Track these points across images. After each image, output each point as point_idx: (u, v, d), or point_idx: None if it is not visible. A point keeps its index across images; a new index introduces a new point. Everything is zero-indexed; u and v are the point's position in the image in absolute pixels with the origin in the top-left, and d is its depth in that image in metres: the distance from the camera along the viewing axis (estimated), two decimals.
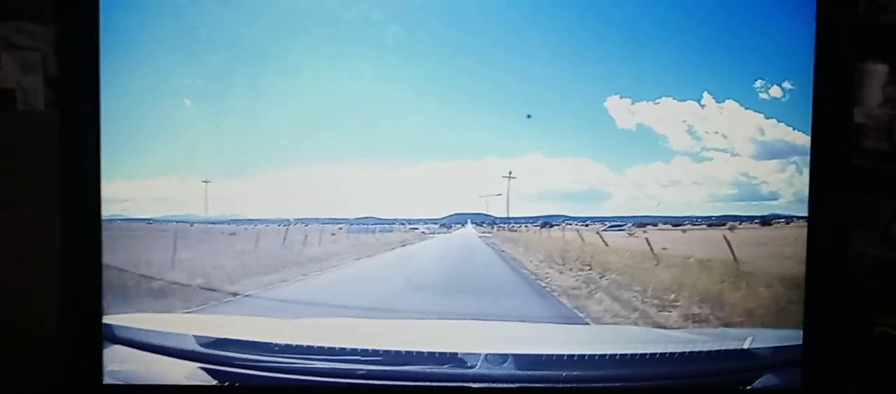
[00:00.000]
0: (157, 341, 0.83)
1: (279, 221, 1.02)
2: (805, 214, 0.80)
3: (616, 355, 0.81)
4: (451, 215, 1.02)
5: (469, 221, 1.12)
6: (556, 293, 1.04)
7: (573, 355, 0.80)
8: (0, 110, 1.04)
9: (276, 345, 0.81)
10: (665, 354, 0.81)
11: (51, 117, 1.07)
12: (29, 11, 1.05)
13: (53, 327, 0.78)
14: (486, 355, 0.80)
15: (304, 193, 0.94)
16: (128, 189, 0.85)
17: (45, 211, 0.86)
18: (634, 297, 0.95)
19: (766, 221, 0.93)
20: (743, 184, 0.91)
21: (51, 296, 0.78)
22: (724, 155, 0.90)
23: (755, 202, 0.91)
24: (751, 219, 0.95)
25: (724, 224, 0.97)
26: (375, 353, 0.80)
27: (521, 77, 0.89)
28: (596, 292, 1.00)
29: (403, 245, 1.10)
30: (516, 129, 0.91)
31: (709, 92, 0.85)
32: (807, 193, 0.79)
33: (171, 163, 0.89)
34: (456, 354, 0.80)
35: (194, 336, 0.83)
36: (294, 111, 0.90)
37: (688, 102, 0.87)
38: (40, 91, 1.07)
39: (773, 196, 0.90)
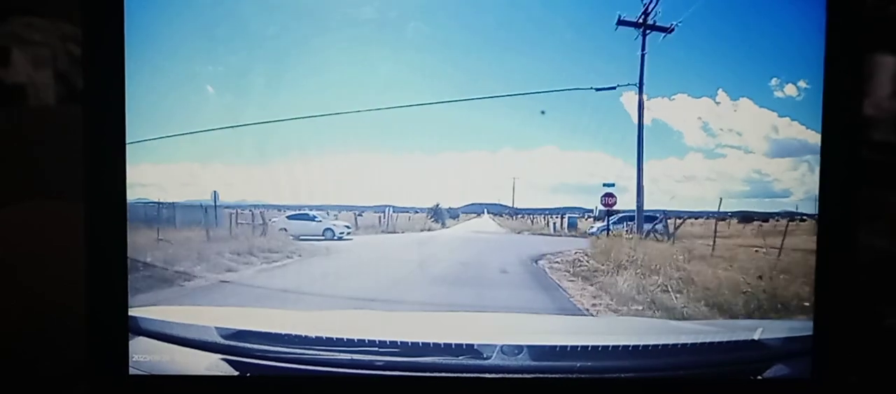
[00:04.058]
0: (180, 332, 0.84)
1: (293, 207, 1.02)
2: (815, 211, 0.80)
3: (628, 345, 0.81)
4: (467, 205, 1.00)
5: (486, 211, 1.09)
6: None
7: (586, 347, 0.81)
8: (12, 106, 1.05)
9: (296, 337, 0.82)
10: (677, 344, 0.83)
11: (62, 112, 1.08)
12: (38, 6, 1.05)
13: (80, 319, 0.79)
14: (502, 346, 0.81)
15: (315, 182, 0.95)
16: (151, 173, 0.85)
17: (62, 205, 0.87)
18: None
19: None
20: (755, 181, 0.91)
21: (73, 289, 0.79)
22: (737, 152, 0.90)
23: (767, 199, 0.91)
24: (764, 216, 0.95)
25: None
26: (393, 344, 0.81)
27: (539, 71, 0.89)
28: None
29: None
30: (532, 121, 0.91)
31: (724, 89, 0.86)
32: (817, 191, 0.80)
33: (191, 151, 0.88)
34: (472, 345, 0.81)
35: (216, 328, 0.84)
36: (313, 102, 0.90)
37: (703, 98, 0.87)
38: (51, 86, 1.07)
39: (785, 193, 0.90)
